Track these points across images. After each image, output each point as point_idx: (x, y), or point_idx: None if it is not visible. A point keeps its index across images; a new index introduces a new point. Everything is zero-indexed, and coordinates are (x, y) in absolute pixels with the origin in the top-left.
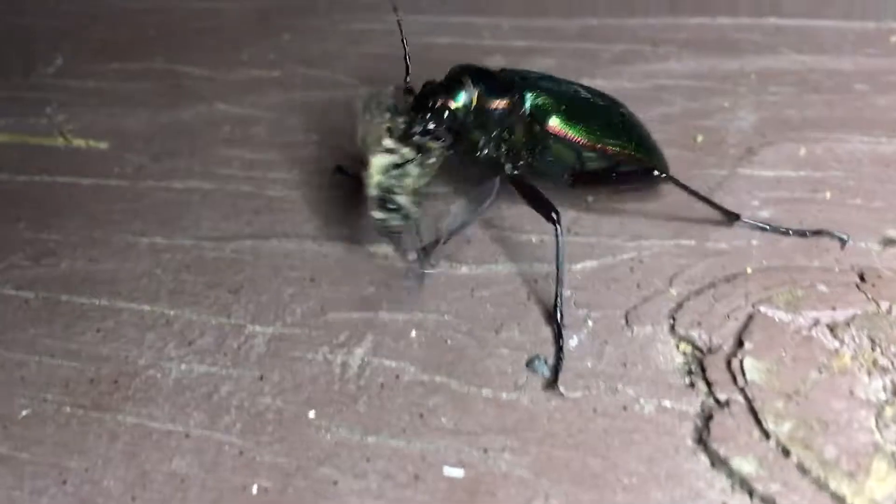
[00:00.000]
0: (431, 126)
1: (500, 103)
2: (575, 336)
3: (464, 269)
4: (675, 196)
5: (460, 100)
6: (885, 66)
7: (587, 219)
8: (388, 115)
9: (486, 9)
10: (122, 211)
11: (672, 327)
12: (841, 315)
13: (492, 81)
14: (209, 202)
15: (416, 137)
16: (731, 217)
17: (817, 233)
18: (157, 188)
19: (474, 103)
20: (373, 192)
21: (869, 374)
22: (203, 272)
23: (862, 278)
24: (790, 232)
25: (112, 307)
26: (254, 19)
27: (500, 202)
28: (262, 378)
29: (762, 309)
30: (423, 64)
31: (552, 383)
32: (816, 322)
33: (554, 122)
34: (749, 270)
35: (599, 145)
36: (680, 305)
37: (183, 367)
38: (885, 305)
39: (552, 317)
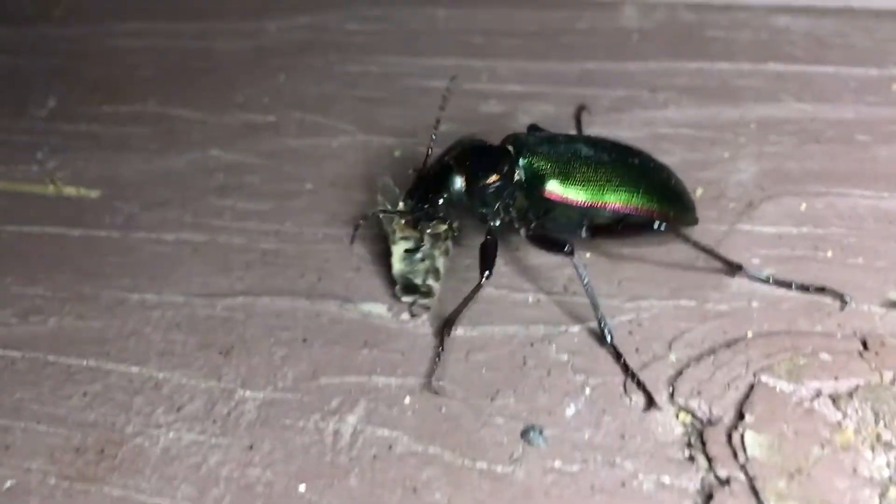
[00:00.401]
0: (428, 213)
1: (491, 179)
2: (572, 404)
3: (459, 331)
4: (676, 252)
5: (451, 185)
6: (886, 116)
7: None
8: (400, 203)
9: (484, 52)
10: (112, 265)
11: (671, 396)
12: (843, 385)
13: (480, 159)
14: (200, 256)
15: (420, 224)
16: (734, 268)
17: (820, 289)
18: (148, 240)
19: (467, 185)
20: (396, 278)
21: (872, 449)
22: (193, 331)
23: (865, 345)
24: (792, 285)
25: (100, 369)
26: (249, 59)
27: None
28: (251, 447)
29: (763, 378)
30: (420, 107)
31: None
32: (819, 393)
33: (551, 187)
34: (750, 335)
35: (601, 204)
36: (679, 373)
37: (171, 434)
38: (888, 376)
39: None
